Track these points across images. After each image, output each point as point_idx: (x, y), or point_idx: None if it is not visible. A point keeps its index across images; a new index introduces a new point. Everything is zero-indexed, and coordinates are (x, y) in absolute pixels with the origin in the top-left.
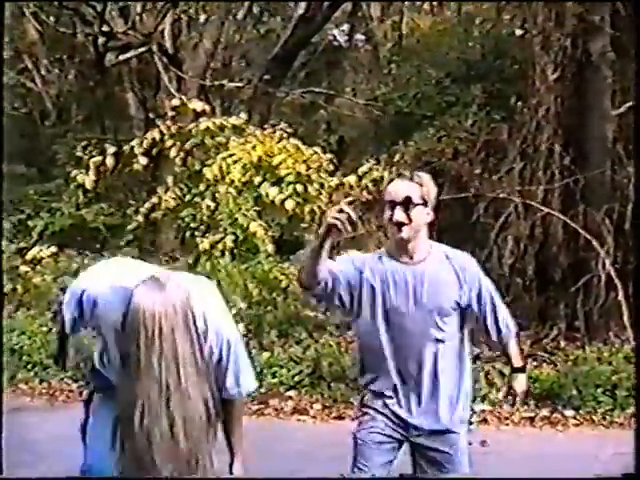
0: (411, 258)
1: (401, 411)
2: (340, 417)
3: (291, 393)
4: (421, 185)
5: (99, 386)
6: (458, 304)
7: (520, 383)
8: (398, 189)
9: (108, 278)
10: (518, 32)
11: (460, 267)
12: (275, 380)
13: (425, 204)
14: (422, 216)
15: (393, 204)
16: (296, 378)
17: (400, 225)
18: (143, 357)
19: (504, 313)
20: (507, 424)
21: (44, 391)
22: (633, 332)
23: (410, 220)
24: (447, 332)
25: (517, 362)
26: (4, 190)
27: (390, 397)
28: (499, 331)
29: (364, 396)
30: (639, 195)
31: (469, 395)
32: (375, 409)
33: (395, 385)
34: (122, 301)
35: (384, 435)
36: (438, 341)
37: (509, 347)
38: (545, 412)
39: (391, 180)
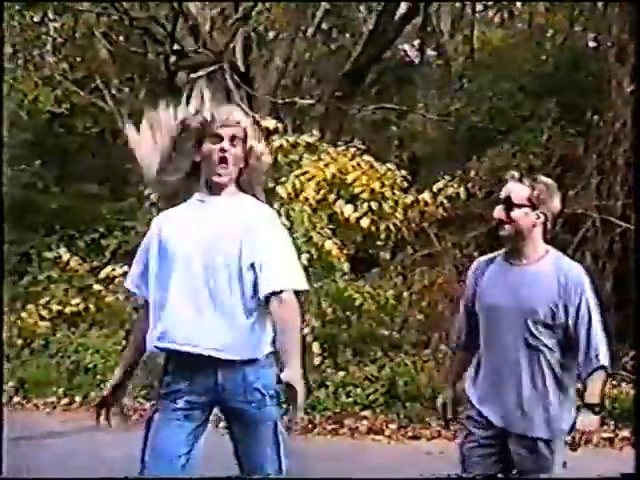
0: (521, 260)
1: (493, 415)
2: (416, 437)
3: (366, 413)
4: (532, 188)
5: (166, 392)
6: (554, 315)
7: (586, 423)
8: (504, 189)
9: None
10: (592, 44)
11: (565, 277)
12: (350, 399)
13: (533, 207)
14: (526, 218)
15: (497, 202)
16: (371, 397)
17: (501, 223)
18: None
19: (600, 340)
20: (586, 445)
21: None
22: None
23: (510, 219)
24: (543, 341)
25: (592, 397)
26: (77, 208)
27: (484, 401)
28: (587, 355)
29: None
30: None
31: (564, 409)
32: (471, 419)
33: (489, 388)
34: None
35: (484, 446)
36: (532, 348)
37: (591, 379)
38: (625, 433)
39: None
